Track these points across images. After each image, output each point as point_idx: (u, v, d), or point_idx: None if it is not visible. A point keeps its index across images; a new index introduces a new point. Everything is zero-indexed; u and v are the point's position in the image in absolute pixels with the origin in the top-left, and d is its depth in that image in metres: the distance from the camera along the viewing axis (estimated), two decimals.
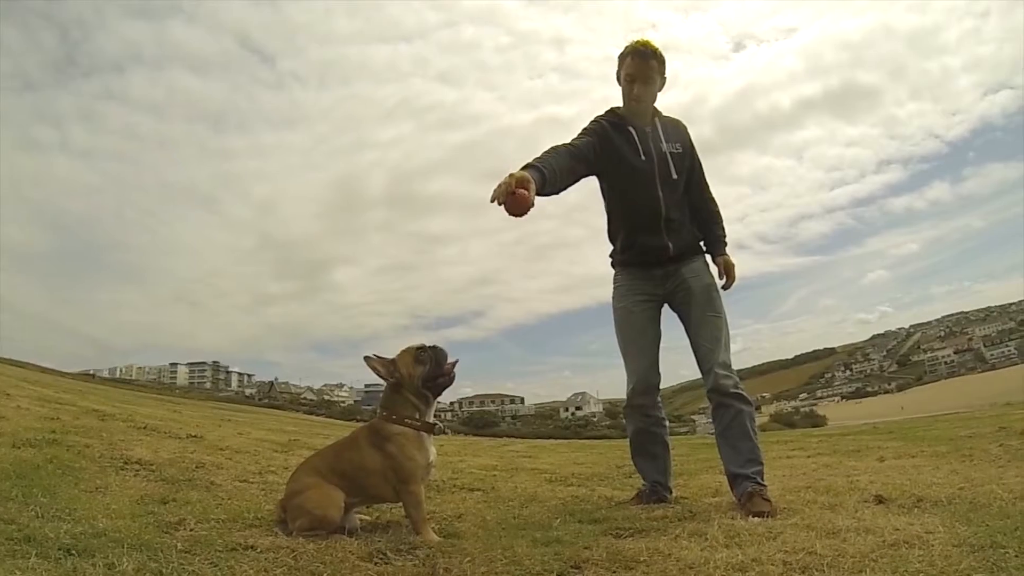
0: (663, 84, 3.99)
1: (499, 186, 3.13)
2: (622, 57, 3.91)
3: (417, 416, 3.19)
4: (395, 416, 3.19)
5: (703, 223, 4.08)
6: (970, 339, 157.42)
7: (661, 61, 3.92)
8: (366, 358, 3.28)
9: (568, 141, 3.74)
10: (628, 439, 4.18)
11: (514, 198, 3.15)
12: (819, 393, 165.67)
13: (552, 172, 3.44)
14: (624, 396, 4.05)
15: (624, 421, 4.25)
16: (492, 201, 3.13)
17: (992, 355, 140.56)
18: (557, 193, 3.57)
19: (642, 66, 3.87)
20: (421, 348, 3.27)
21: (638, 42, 3.90)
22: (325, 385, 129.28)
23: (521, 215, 3.23)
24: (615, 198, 4.01)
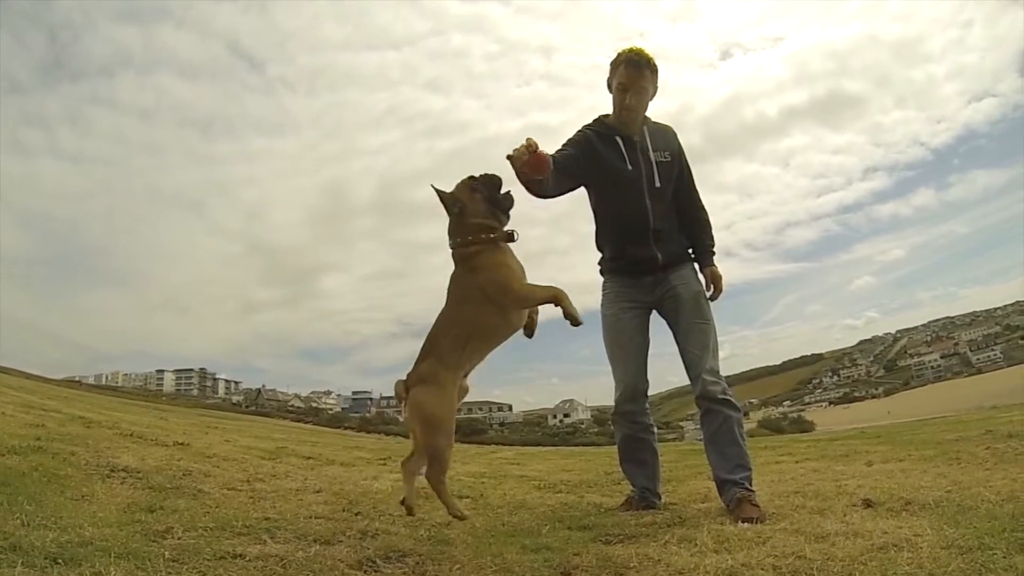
0: (655, 93, 3.99)
1: (517, 150, 3.21)
2: (615, 65, 3.90)
3: (490, 232, 3.27)
4: (470, 238, 3.26)
5: (692, 232, 4.08)
6: (956, 343, 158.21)
7: (654, 70, 3.91)
8: (433, 186, 3.36)
9: (551, 155, 3.67)
10: (616, 446, 4.18)
11: (536, 157, 3.22)
12: (807, 399, 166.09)
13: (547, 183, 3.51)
14: (612, 403, 4.05)
15: (612, 428, 4.25)
16: (510, 159, 3.24)
17: (978, 359, 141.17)
18: (546, 197, 3.65)
19: (635, 75, 3.86)
20: (472, 178, 3.33)
21: (632, 51, 3.88)
22: (313, 392, 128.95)
23: (542, 178, 3.37)
24: (602, 207, 4.01)
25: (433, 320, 3.31)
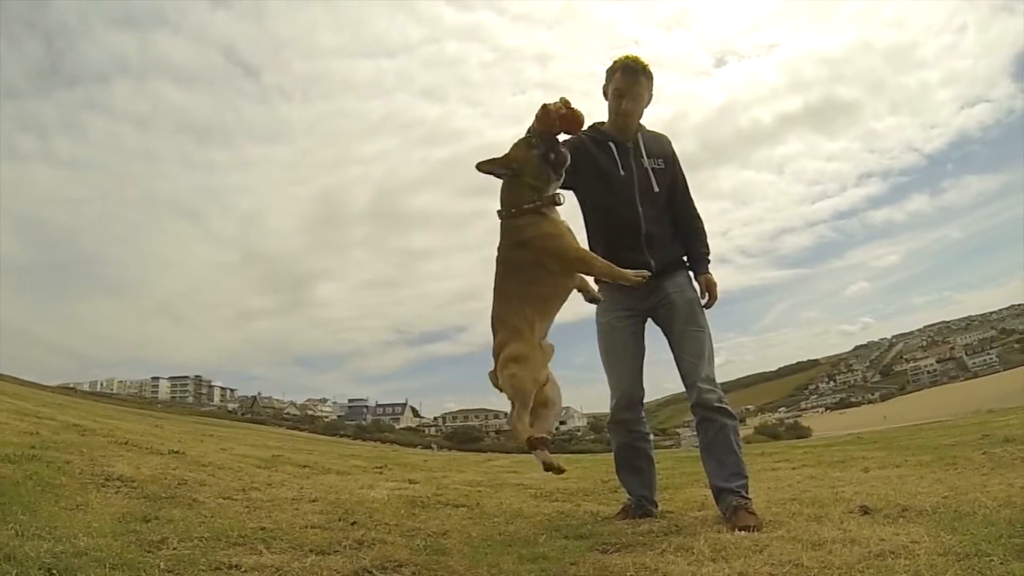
0: (650, 100, 4.01)
1: (554, 103, 3.30)
2: (611, 72, 3.91)
3: (536, 198, 3.27)
4: (514, 209, 3.28)
5: (687, 239, 4.08)
6: (952, 348, 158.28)
7: (650, 78, 3.94)
8: (478, 165, 3.38)
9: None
10: (613, 454, 4.17)
11: (572, 112, 3.31)
12: (803, 404, 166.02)
13: None
14: (608, 410, 4.05)
15: (608, 436, 4.25)
16: (546, 108, 3.28)
17: (974, 363, 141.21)
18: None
19: (631, 82, 3.88)
20: (530, 136, 3.34)
21: (628, 58, 3.91)
22: (308, 400, 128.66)
23: (576, 130, 3.47)
24: (594, 213, 4.00)
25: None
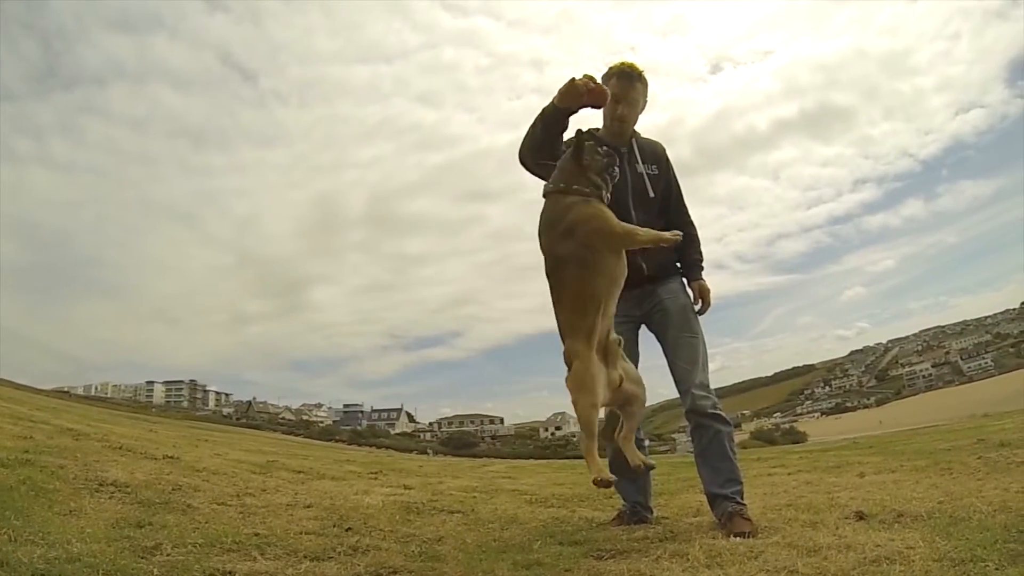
0: (644, 106, 4.03)
1: (581, 79, 3.35)
2: (606, 78, 3.90)
3: (588, 190, 3.25)
4: (563, 184, 3.26)
5: (680, 246, 4.08)
6: (947, 352, 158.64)
7: (645, 84, 3.97)
8: (584, 134, 3.36)
9: None
10: (608, 460, 4.17)
11: (600, 87, 3.38)
12: (799, 409, 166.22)
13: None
14: (603, 417, 4.04)
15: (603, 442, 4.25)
16: (574, 82, 3.32)
17: (969, 367, 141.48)
18: (544, 158, 3.66)
19: (627, 88, 3.91)
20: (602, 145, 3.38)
21: (623, 64, 3.93)
22: (304, 405, 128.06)
23: (601, 105, 3.49)
24: None
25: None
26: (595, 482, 2.92)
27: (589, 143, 3.28)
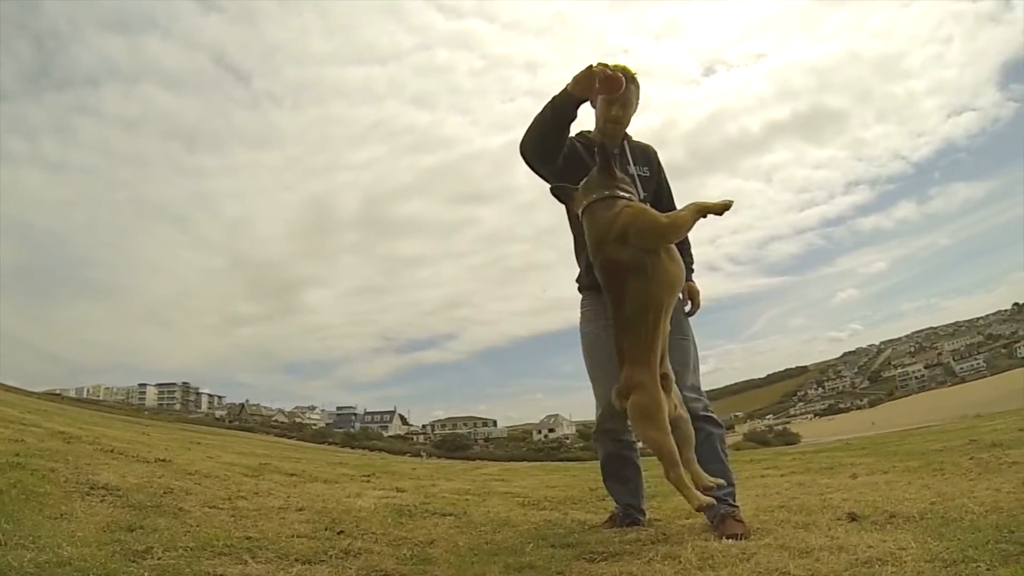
0: (637, 108, 4.03)
1: (596, 66, 3.41)
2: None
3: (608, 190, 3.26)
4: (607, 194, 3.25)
5: None
6: (939, 353, 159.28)
7: (637, 86, 3.95)
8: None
9: None
10: (599, 463, 4.17)
11: (615, 75, 3.44)
12: (792, 411, 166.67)
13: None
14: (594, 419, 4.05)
15: (595, 445, 4.25)
16: (590, 70, 3.38)
17: (961, 368, 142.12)
18: (549, 148, 3.72)
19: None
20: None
21: (617, 67, 3.93)
22: (297, 407, 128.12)
23: (615, 92, 3.60)
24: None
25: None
26: (699, 509, 2.91)
27: (615, 154, 3.28)
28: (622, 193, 3.23)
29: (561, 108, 3.52)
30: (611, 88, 3.50)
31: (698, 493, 2.91)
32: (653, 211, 3.16)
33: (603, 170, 3.24)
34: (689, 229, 3.24)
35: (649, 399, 3.00)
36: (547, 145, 3.71)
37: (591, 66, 3.37)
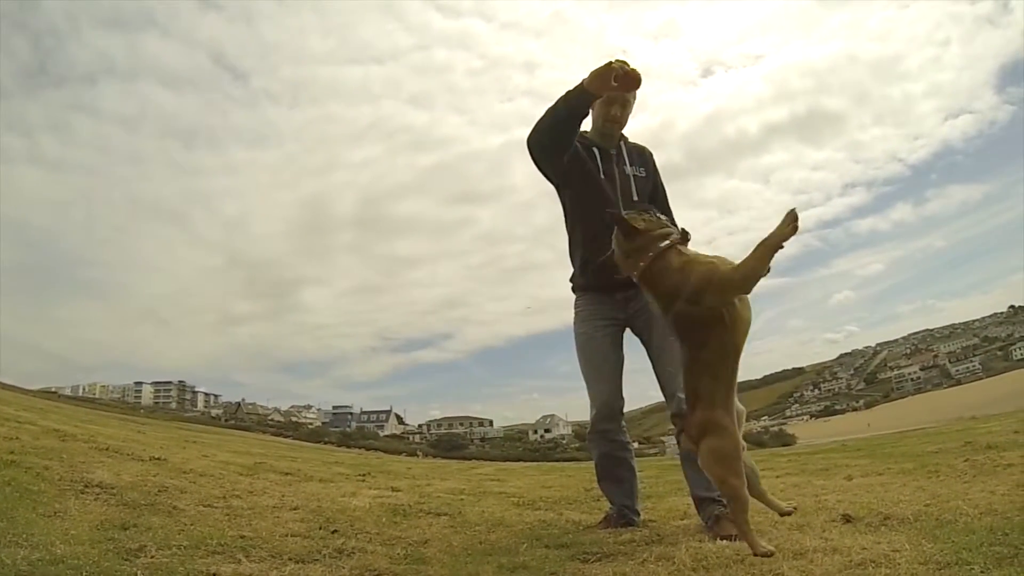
0: (632, 107, 4.04)
1: (615, 63, 3.42)
2: None
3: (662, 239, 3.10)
4: (651, 253, 3.08)
5: None
6: (935, 356, 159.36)
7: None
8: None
9: None
10: (594, 464, 4.17)
11: (634, 72, 3.46)
12: (788, 412, 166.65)
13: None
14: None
15: (589, 447, 4.25)
16: (609, 66, 3.40)
17: (957, 371, 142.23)
18: (560, 143, 3.80)
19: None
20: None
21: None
22: (293, 406, 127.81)
23: (633, 90, 3.70)
24: (577, 215, 4.03)
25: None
26: (761, 555, 2.85)
27: (628, 214, 3.13)
28: (664, 243, 3.05)
29: (576, 103, 3.55)
30: (629, 86, 3.53)
31: (761, 543, 2.83)
32: (720, 265, 2.94)
33: (628, 235, 3.08)
34: (764, 273, 2.96)
35: (731, 445, 2.92)
36: (558, 140, 3.73)
37: (610, 62, 3.39)
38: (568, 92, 3.58)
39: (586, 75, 3.49)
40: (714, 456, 2.93)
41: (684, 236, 3.13)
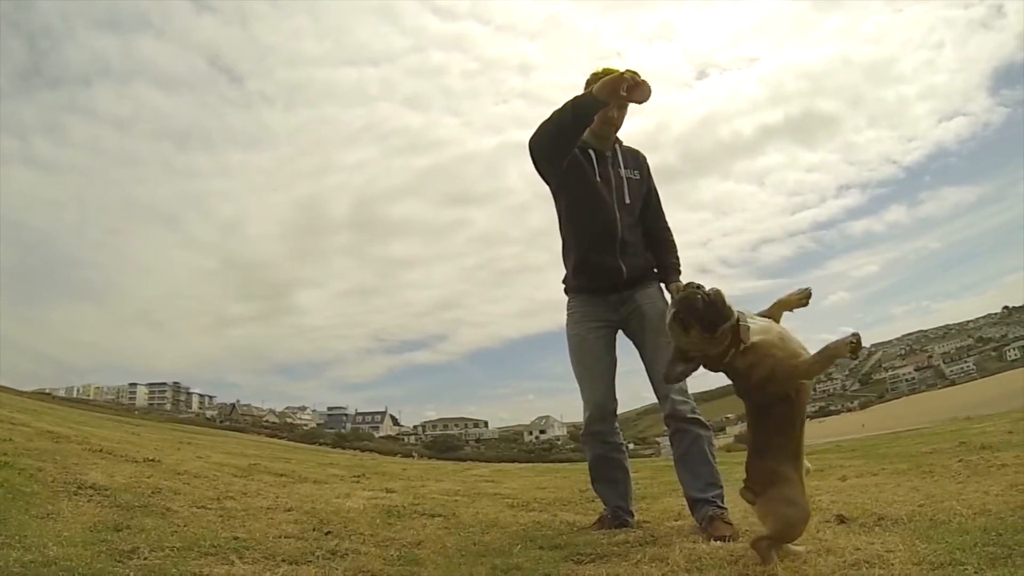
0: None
1: (627, 72, 3.47)
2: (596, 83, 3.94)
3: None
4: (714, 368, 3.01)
5: (657, 250, 4.11)
6: (930, 356, 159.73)
7: None
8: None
9: None
10: (588, 466, 4.17)
11: (644, 83, 3.49)
12: None
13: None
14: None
15: (583, 448, 4.25)
16: (620, 77, 3.44)
17: (951, 371, 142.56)
18: (563, 147, 3.82)
19: None
20: (677, 313, 2.93)
21: (610, 69, 3.93)
22: (288, 408, 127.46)
23: (642, 102, 3.61)
24: (572, 216, 4.03)
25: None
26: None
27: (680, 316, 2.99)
28: (744, 338, 2.91)
29: (583, 109, 3.59)
30: (639, 97, 3.53)
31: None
32: (785, 358, 2.90)
33: (708, 328, 2.85)
34: (819, 374, 3.05)
35: (802, 515, 2.81)
36: (562, 145, 3.76)
37: (622, 73, 3.42)
38: (577, 98, 3.61)
39: (595, 84, 3.53)
40: (783, 525, 2.80)
41: (736, 336, 2.92)
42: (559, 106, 3.71)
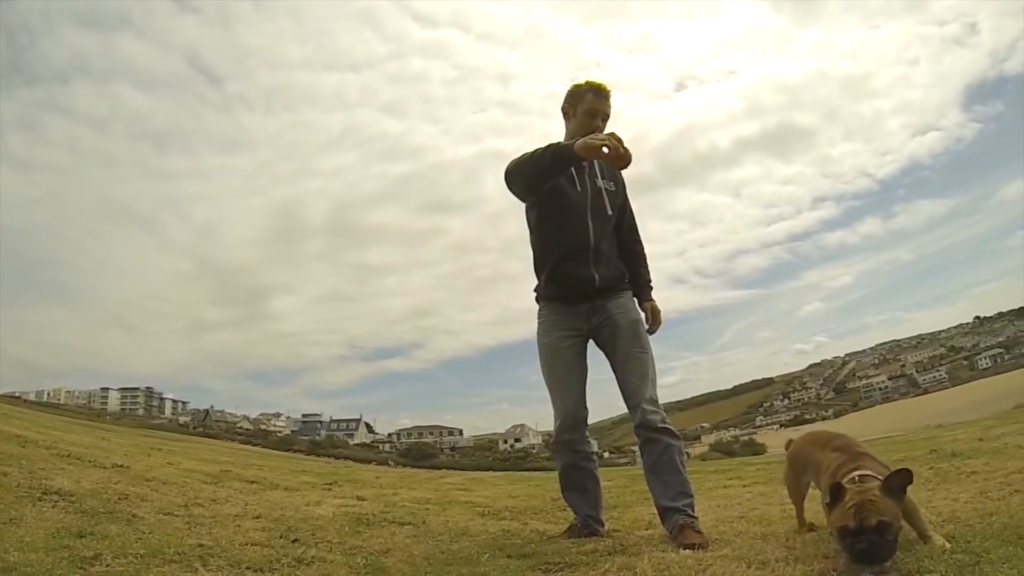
0: None
1: (607, 138, 3.49)
2: (581, 93, 3.99)
3: None
4: None
5: (630, 262, 4.14)
6: (903, 365, 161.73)
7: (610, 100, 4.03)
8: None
9: None
10: (558, 474, 4.16)
11: (628, 154, 3.53)
12: (758, 421, 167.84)
13: None
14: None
15: (553, 457, 4.25)
16: (603, 146, 3.46)
17: (924, 380, 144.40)
18: (538, 188, 3.89)
19: (604, 104, 3.97)
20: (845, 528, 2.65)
21: (593, 81, 4.04)
22: (262, 414, 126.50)
23: (621, 168, 3.74)
24: (545, 226, 4.02)
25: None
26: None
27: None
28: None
29: (562, 161, 3.68)
30: (619, 164, 3.61)
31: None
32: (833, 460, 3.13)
33: (835, 499, 2.72)
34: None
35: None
36: (538, 186, 3.86)
37: (606, 141, 3.46)
38: (557, 147, 3.69)
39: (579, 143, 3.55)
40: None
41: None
42: (537, 148, 3.77)
